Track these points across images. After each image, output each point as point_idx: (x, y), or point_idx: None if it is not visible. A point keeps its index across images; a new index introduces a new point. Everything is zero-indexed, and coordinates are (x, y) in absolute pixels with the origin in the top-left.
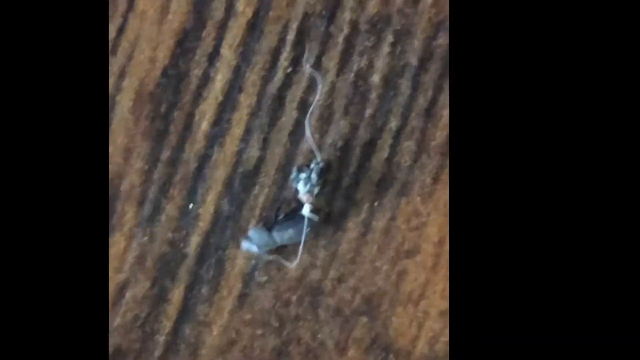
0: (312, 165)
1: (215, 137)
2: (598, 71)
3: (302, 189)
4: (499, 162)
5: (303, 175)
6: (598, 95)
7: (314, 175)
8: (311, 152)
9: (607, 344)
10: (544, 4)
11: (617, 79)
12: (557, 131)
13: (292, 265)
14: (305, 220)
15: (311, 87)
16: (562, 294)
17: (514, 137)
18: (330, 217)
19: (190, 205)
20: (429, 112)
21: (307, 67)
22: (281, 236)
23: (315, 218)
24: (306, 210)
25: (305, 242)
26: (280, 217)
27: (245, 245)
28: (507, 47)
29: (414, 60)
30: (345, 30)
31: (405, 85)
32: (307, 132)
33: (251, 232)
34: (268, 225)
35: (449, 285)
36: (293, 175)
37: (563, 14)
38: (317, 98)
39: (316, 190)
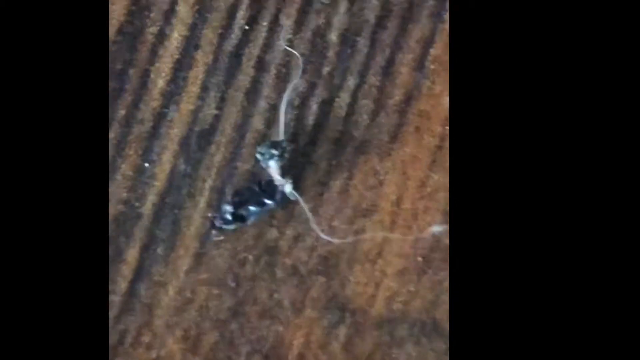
0: (284, 143)
1: (171, 95)
2: (587, 50)
3: (273, 166)
4: (460, 122)
5: (276, 152)
6: (585, 73)
7: (286, 154)
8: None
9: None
10: None
11: (613, 60)
12: (513, 87)
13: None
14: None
15: (269, 45)
16: (520, 249)
17: (474, 94)
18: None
19: (146, 165)
20: (387, 70)
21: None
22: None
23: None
24: (288, 189)
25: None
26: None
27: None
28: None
29: (371, 18)
30: None
31: (362, 43)
32: (281, 116)
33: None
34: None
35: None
36: (263, 150)
37: None
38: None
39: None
